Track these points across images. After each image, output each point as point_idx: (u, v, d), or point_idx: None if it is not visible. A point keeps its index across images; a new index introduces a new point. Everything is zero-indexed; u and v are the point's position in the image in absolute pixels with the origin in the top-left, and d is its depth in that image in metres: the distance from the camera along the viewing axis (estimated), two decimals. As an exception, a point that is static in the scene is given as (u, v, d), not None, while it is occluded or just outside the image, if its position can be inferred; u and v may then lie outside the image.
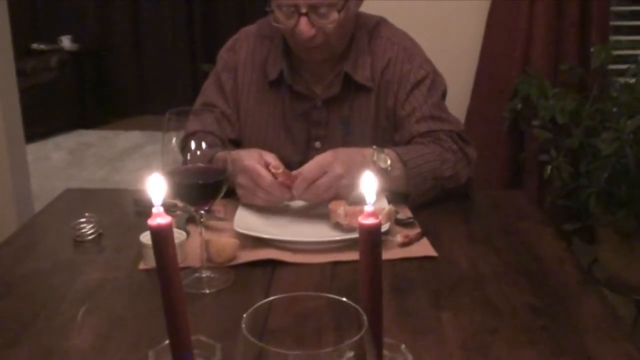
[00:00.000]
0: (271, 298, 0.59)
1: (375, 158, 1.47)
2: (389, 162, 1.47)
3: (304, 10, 1.49)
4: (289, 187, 1.39)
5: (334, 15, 1.51)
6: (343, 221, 1.35)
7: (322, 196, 1.40)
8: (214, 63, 1.79)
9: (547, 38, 2.53)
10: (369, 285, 0.78)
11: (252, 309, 0.57)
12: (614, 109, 2.15)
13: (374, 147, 1.49)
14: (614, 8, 2.67)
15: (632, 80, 2.21)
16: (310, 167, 1.39)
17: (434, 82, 1.66)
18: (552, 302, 1.14)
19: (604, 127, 2.13)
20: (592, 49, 2.30)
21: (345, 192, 1.41)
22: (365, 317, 0.54)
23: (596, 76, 2.41)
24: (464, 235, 1.42)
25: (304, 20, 1.50)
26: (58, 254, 1.37)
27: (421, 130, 1.61)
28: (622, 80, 2.28)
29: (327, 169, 1.38)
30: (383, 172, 1.46)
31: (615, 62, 2.45)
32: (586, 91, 2.40)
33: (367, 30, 1.67)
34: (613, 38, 2.65)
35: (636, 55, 2.78)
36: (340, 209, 1.35)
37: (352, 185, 1.40)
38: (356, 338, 0.53)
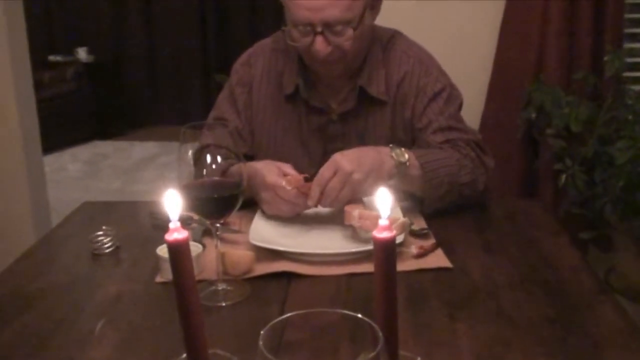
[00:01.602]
0: (287, 315, 0.60)
1: (392, 152, 1.47)
2: (406, 155, 1.47)
3: (319, 29, 1.50)
4: (307, 195, 1.40)
5: (350, 32, 1.52)
6: (356, 223, 1.35)
7: (338, 198, 1.40)
8: (228, 74, 1.79)
9: (560, 46, 2.52)
10: (384, 298, 0.78)
11: (268, 325, 0.57)
12: (629, 117, 2.14)
13: (391, 145, 1.49)
14: (628, 15, 2.66)
15: (647, 88, 2.20)
16: (321, 171, 1.40)
17: (451, 95, 1.66)
18: (568, 312, 1.14)
19: (619, 135, 2.12)
20: (606, 57, 2.29)
21: (360, 188, 1.40)
22: (380, 333, 0.55)
23: (610, 84, 2.40)
24: (478, 245, 1.42)
25: (319, 39, 1.51)
26: (76, 267, 1.38)
27: (438, 140, 1.62)
28: (636, 88, 2.27)
29: (336, 167, 1.39)
30: (401, 168, 1.46)
31: (630, 70, 2.44)
32: (600, 99, 2.39)
33: (381, 44, 1.68)
34: (627, 45, 2.64)
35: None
36: (355, 211, 1.36)
37: (366, 179, 1.40)
38: (372, 355, 0.53)
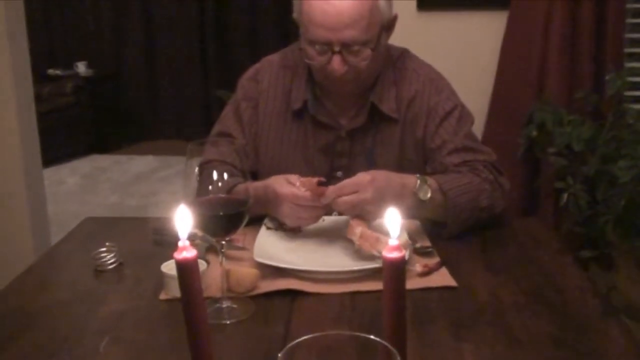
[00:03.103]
0: (301, 339, 0.60)
1: (417, 189, 1.47)
2: (429, 194, 1.47)
3: (337, 49, 1.50)
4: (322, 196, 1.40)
5: (367, 52, 1.52)
6: (356, 240, 1.35)
7: (345, 211, 1.41)
8: (228, 88, 1.79)
9: (561, 65, 2.53)
10: (393, 317, 0.78)
11: (284, 349, 0.57)
12: (630, 137, 2.15)
13: (417, 176, 1.49)
14: (628, 35, 2.68)
15: (648, 107, 2.21)
16: (345, 182, 1.41)
17: (462, 114, 1.66)
18: (573, 332, 1.13)
19: (621, 154, 2.12)
20: (607, 76, 2.30)
21: (369, 216, 1.41)
22: (399, 357, 0.54)
23: (612, 103, 2.40)
24: (483, 264, 1.42)
25: (337, 58, 1.51)
26: (79, 284, 1.38)
27: (455, 161, 1.61)
28: (638, 107, 2.27)
29: (359, 189, 1.39)
30: (422, 203, 1.47)
31: (631, 89, 2.45)
32: (601, 118, 2.39)
33: (391, 62, 1.68)
34: (628, 65, 2.65)
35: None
36: (358, 228, 1.36)
37: (377, 213, 1.39)
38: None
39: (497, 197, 1.59)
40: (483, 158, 1.63)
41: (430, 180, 1.50)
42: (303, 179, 1.41)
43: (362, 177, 1.41)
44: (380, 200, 1.38)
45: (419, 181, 1.48)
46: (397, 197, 1.42)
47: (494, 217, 1.60)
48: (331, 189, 1.39)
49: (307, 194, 1.40)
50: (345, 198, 1.39)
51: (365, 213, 1.40)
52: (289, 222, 1.46)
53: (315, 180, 1.41)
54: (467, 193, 1.52)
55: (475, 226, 1.55)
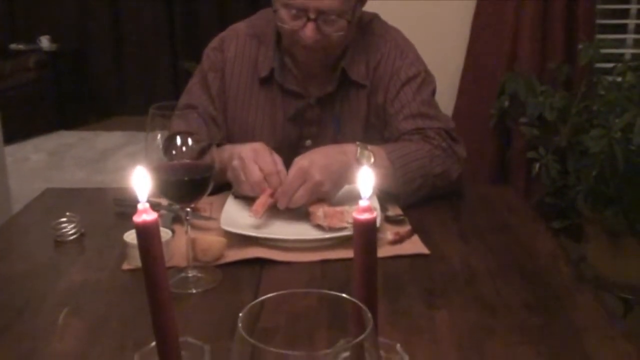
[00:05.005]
0: (266, 296, 0.56)
1: (358, 156, 1.43)
2: (372, 159, 1.44)
3: (312, 16, 1.46)
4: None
5: (342, 23, 1.48)
6: (323, 222, 1.32)
7: (306, 203, 1.37)
8: (196, 61, 1.74)
9: (534, 36, 2.52)
10: (364, 283, 0.75)
11: (247, 308, 0.53)
12: (602, 107, 2.14)
13: (357, 143, 1.46)
14: (600, 6, 2.67)
15: (619, 79, 2.20)
16: (289, 179, 1.35)
17: (425, 80, 1.63)
18: (546, 300, 1.12)
19: (592, 124, 2.11)
20: (580, 45, 2.28)
21: (328, 197, 1.39)
22: (370, 315, 0.51)
23: (583, 74, 2.40)
24: (455, 232, 1.40)
25: (310, 26, 1.46)
26: (38, 255, 1.33)
27: (408, 127, 1.58)
28: (609, 78, 2.26)
29: (305, 177, 1.35)
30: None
31: (601, 61, 2.44)
32: (573, 89, 2.39)
33: (360, 27, 1.64)
34: (599, 36, 2.65)
35: (621, 54, 2.78)
36: (319, 210, 1.33)
37: (334, 189, 1.38)
38: (363, 336, 0.49)
39: (451, 163, 1.56)
40: (438, 125, 1.60)
41: (374, 147, 1.46)
42: (257, 208, 1.33)
43: (301, 164, 1.36)
44: (329, 177, 1.36)
45: (358, 148, 1.44)
46: (345, 165, 1.39)
47: (452, 184, 1.57)
48: (281, 194, 1.35)
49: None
50: (298, 193, 1.35)
51: (323, 195, 1.37)
52: (233, 177, 1.40)
53: (267, 199, 1.35)
54: (417, 160, 1.49)
55: (434, 194, 1.53)
